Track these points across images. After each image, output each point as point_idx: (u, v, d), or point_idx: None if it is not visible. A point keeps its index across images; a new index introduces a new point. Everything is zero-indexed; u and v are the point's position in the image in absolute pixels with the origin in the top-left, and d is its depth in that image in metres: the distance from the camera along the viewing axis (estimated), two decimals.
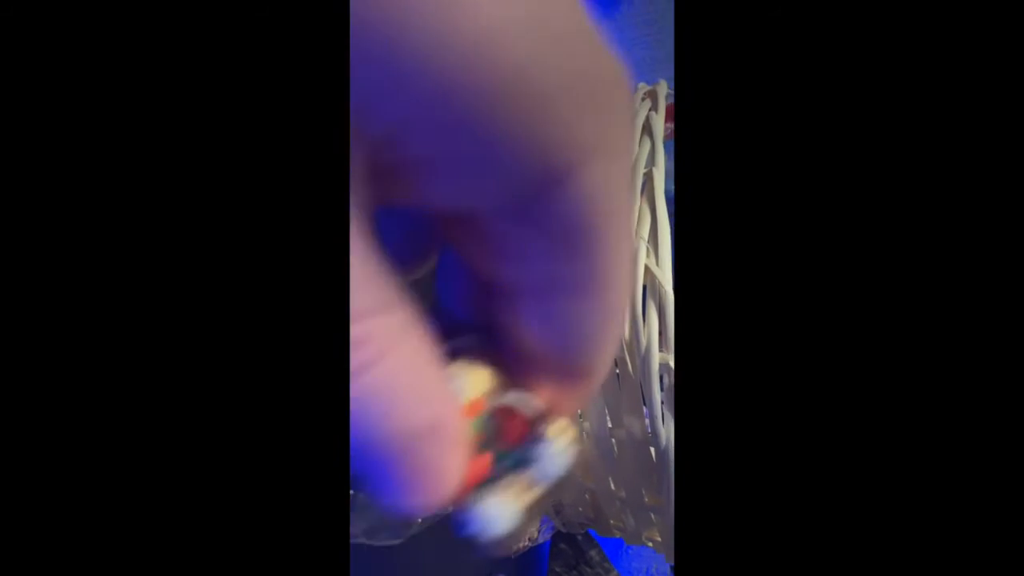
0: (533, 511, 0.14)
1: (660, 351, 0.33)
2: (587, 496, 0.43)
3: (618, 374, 0.37)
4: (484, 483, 0.14)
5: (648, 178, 0.36)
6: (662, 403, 0.34)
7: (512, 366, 0.15)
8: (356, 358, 0.09)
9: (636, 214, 0.35)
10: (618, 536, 0.45)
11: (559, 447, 0.15)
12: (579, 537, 0.52)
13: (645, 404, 0.35)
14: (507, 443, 0.14)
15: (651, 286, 0.33)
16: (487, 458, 0.14)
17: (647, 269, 0.34)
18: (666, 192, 0.42)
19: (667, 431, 0.34)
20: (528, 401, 0.15)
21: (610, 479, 0.40)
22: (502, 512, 0.14)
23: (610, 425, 0.38)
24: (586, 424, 0.39)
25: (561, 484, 0.15)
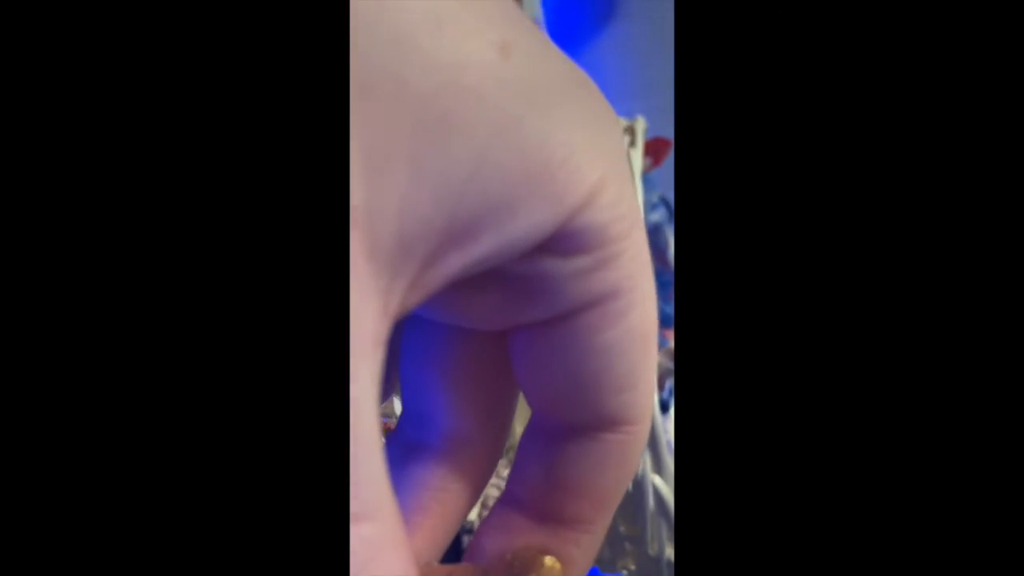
0: None
1: None
2: None
3: None
4: None
5: None
6: None
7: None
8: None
9: None
10: (593, 565, 0.46)
11: None
12: None
13: None
14: None
15: None
16: None
17: None
18: (644, 225, 0.43)
19: (643, 462, 0.35)
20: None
21: None
22: None
23: None
24: None
25: None
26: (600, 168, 0.11)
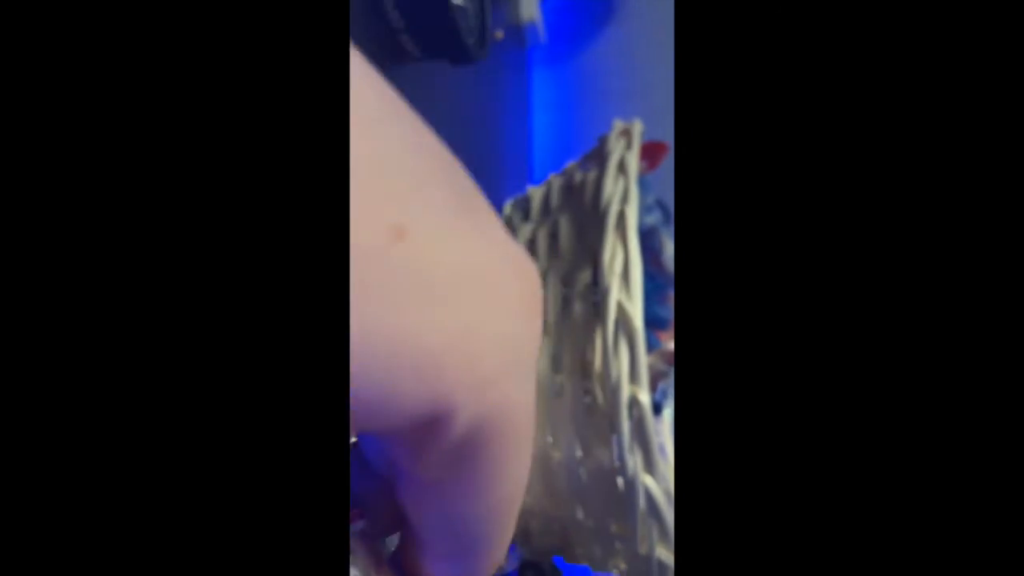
0: None
1: (630, 384, 0.34)
2: (554, 525, 0.43)
3: (588, 405, 0.38)
4: None
5: (621, 216, 0.37)
6: (630, 434, 0.35)
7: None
8: None
9: (610, 250, 0.36)
10: (584, 564, 0.46)
11: None
12: (545, 565, 0.52)
13: (614, 435, 0.35)
14: None
15: (622, 321, 0.34)
16: None
17: (619, 304, 0.35)
18: (640, 227, 0.43)
19: (634, 462, 0.35)
20: None
21: (578, 508, 0.41)
22: None
23: (579, 455, 0.39)
24: (556, 453, 0.40)
25: None
26: (481, 362, 0.11)
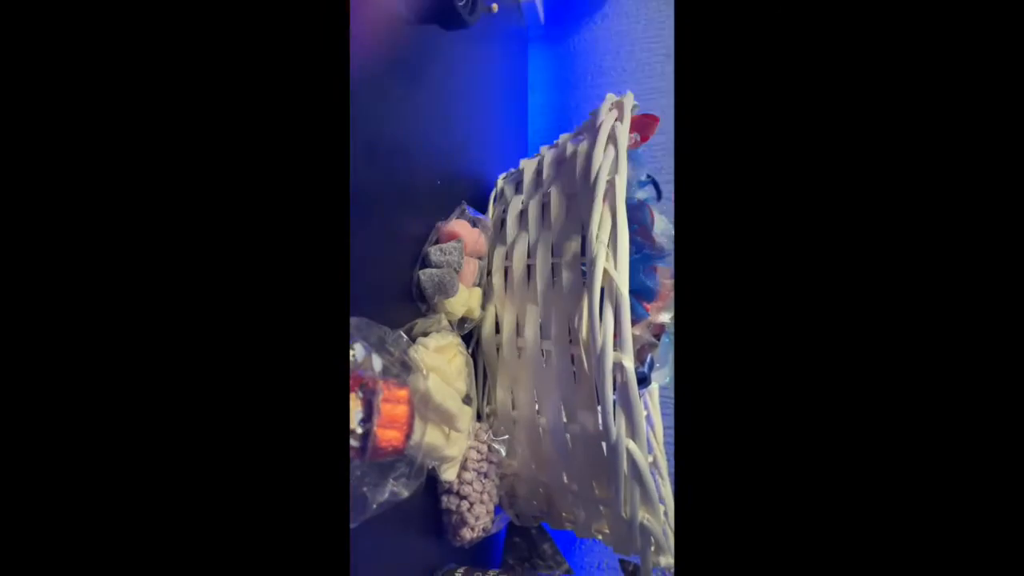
0: None
1: (614, 351, 0.35)
2: (540, 489, 0.44)
3: (574, 372, 0.39)
4: None
5: (610, 186, 0.37)
6: (614, 400, 0.36)
7: None
8: None
9: (598, 219, 0.36)
10: (569, 528, 0.47)
11: None
12: (533, 530, 0.53)
13: (599, 401, 0.36)
14: None
15: (608, 288, 0.35)
16: None
17: (605, 272, 0.35)
18: (630, 200, 0.44)
19: (618, 427, 0.36)
20: None
21: (563, 473, 0.42)
22: None
23: (565, 420, 0.40)
24: (542, 419, 0.41)
25: None
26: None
